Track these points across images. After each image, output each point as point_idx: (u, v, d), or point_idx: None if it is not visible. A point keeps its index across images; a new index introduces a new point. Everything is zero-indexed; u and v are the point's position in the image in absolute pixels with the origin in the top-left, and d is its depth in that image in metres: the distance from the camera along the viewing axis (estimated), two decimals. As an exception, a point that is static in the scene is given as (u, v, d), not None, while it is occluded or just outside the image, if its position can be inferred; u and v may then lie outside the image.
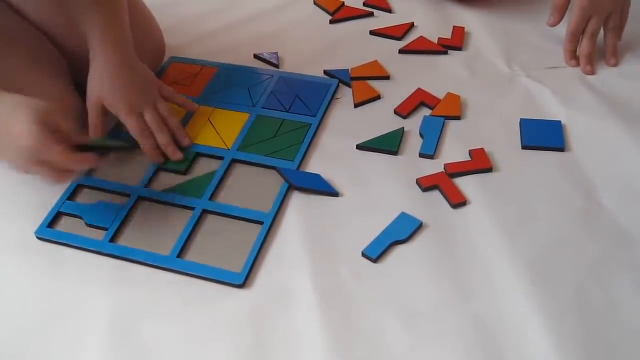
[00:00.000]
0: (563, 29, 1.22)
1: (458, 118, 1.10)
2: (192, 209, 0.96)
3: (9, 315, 0.86)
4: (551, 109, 1.11)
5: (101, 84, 0.99)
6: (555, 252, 0.89)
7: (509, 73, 1.20)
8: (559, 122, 1.07)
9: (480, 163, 1.01)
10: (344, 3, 1.39)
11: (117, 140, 1.04)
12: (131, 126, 1.00)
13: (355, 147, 1.05)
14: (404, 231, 0.91)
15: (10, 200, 1.00)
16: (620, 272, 0.86)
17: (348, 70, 1.20)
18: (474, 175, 1.00)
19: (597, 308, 0.82)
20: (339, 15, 1.36)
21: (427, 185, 0.98)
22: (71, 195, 0.99)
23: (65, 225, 0.96)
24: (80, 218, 0.96)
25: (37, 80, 1.00)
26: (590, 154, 1.03)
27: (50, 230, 0.95)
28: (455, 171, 1.00)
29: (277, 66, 1.23)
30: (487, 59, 1.23)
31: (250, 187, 0.99)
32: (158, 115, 1.02)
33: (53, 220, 0.96)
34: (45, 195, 0.99)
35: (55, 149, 0.82)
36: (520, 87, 1.16)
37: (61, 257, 0.92)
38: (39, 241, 0.94)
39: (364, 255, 0.89)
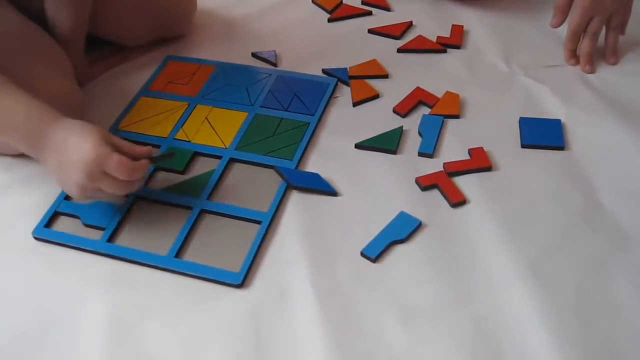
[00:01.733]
0: (562, 28, 1.21)
1: (457, 117, 1.09)
2: (190, 208, 0.96)
3: (6, 315, 0.85)
4: (550, 108, 1.11)
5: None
6: (555, 252, 0.89)
7: (508, 71, 1.19)
8: (559, 120, 1.07)
9: (479, 162, 1.00)
10: (342, 1, 1.38)
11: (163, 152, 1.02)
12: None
13: (353, 146, 1.04)
14: (403, 230, 0.91)
15: (7, 200, 1.00)
16: (620, 272, 0.86)
17: (346, 68, 1.20)
18: (473, 174, 0.99)
19: (597, 307, 0.82)
20: (337, 13, 1.35)
21: (426, 184, 0.97)
22: (68, 194, 0.98)
23: (63, 225, 0.95)
24: (78, 218, 0.95)
25: (44, 75, 1.00)
26: (589, 152, 1.03)
27: (47, 230, 0.94)
28: (454, 170, 0.99)
29: (275, 65, 1.22)
30: (486, 57, 1.23)
31: (248, 186, 0.99)
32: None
33: (50, 220, 0.95)
34: (43, 195, 0.99)
35: (116, 157, 0.84)
36: (520, 86, 1.16)
37: (58, 257, 0.92)
38: (36, 241, 0.93)
39: (362, 254, 0.89)
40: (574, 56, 1.20)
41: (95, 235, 0.93)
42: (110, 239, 0.92)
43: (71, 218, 0.96)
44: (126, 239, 0.93)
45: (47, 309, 0.85)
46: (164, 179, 1.01)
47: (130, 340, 0.81)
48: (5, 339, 0.82)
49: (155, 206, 0.97)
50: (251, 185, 0.99)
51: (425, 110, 1.11)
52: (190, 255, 0.90)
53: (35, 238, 0.94)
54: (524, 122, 1.07)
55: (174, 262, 0.89)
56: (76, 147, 0.85)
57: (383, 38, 1.29)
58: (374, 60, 1.21)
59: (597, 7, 1.15)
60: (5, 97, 0.89)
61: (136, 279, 0.88)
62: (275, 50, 1.25)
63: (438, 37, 1.27)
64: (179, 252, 0.90)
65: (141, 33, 1.24)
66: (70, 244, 0.92)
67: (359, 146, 1.04)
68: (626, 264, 0.87)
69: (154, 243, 0.91)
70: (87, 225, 0.94)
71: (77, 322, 0.83)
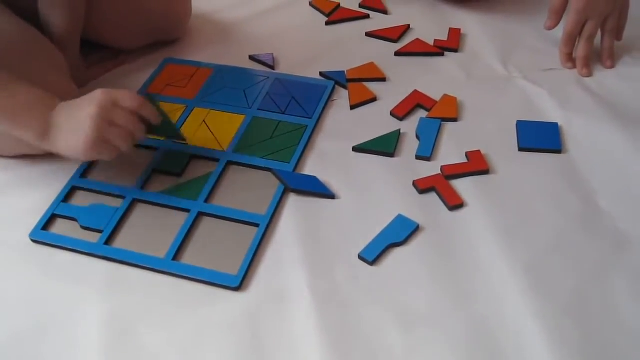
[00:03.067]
0: (560, 31, 1.22)
1: (454, 120, 1.09)
2: (188, 211, 0.95)
3: (3, 318, 0.85)
4: (548, 111, 1.11)
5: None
6: (553, 255, 0.89)
7: (505, 74, 1.20)
8: (556, 123, 1.07)
9: (476, 165, 1.00)
10: (339, 4, 1.38)
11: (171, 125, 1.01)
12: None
13: (351, 148, 1.04)
14: (400, 233, 0.91)
15: (4, 202, 0.99)
16: (618, 274, 0.86)
17: (344, 71, 1.20)
18: (470, 177, 0.99)
19: (595, 310, 0.82)
20: (335, 16, 1.36)
21: (423, 187, 0.97)
22: (66, 197, 0.98)
23: (60, 227, 0.95)
24: (75, 220, 0.95)
25: (39, 77, 0.99)
26: (587, 155, 1.03)
27: (44, 232, 0.94)
28: (451, 173, 0.99)
29: (272, 67, 1.22)
30: (483, 60, 1.23)
31: (246, 189, 0.99)
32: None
33: (47, 223, 0.95)
34: (40, 197, 0.99)
35: (121, 108, 0.91)
36: (517, 89, 1.16)
37: (55, 259, 0.91)
38: (33, 243, 0.93)
39: (360, 257, 0.89)
40: (570, 59, 1.20)
41: (93, 237, 0.93)
42: (108, 241, 0.92)
43: (68, 220, 0.96)
44: (124, 242, 0.92)
45: (44, 312, 0.85)
46: (162, 181, 1.01)
47: (127, 343, 0.81)
48: (2, 341, 0.82)
49: (152, 208, 0.97)
50: (249, 188, 0.99)
51: (423, 114, 1.11)
52: (188, 257, 0.90)
53: (33, 240, 0.93)
54: (521, 126, 1.07)
55: (172, 265, 0.89)
56: (83, 103, 0.91)
57: (381, 41, 1.29)
58: (372, 63, 1.21)
59: (592, 10, 1.15)
60: (6, 86, 0.91)
61: (134, 282, 0.88)
62: (272, 53, 1.25)
63: (435, 40, 1.27)
64: (176, 255, 0.90)
65: (135, 37, 1.24)
66: (68, 247, 0.92)
67: (356, 149, 1.04)
68: (623, 267, 0.87)
69: (152, 245, 0.91)
70: (84, 228, 0.94)
71: (74, 324, 0.83)
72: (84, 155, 0.91)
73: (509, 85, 1.17)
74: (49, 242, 0.93)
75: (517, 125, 1.07)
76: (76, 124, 0.90)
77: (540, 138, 1.05)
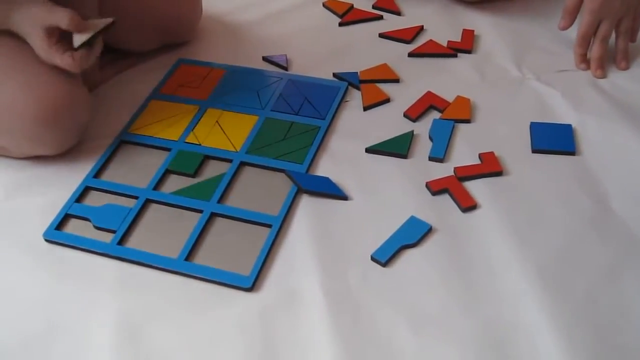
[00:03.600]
0: (574, 32, 1.21)
1: (468, 121, 1.09)
2: (201, 211, 0.96)
3: (16, 316, 0.85)
4: (561, 113, 1.10)
5: None
6: (566, 257, 0.88)
7: (518, 76, 1.19)
8: (570, 125, 1.07)
9: (490, 166, 1.00)
10: (352, 5, 1.38)
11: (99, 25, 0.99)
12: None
13: (364, 150, 1.04)
14: (413, 235, 0.91)
15: (19, 202, 1.00)
16: (631, 277, 0.86)
17: (357, 72, 1.19)
18: (483, 179, 0.99)
19: (608, 313, 0.82)
20: (348, 17, 1.36)
21: (436, 188, 0.97)
22: (79, 197, 0.99)
23: (74, 227, 0.96)
24: (88, 220, 0.96)
25: (50, 77, 0.99)
26: (600, 157, 1.02)
27: (58, 232, 0.94)
28: (465, 174, 0.99)
29: (285, 68, 1.22)
30: (496, 62, 1.23)
31: (258, 190, 0.99)
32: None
33: (61, 222, 0.96)
34: (54, 197, 0.99)
35: (59, 57, 0.96)
36: (530, 90, 1.16)
37: (69, 259, 0.92)
38: (46, 243, 0.94)
39: (372, 258, 0.89)
40: (584, 60, 1.20)
41: (106, 237, 0.93)
42: (121, 241, 0.92)
43: (82, 220, 0.96)
44: (137, 242, 0.93)
45: (57, 311, 0.85)
46: (175, 182, 1.01)
47: (139, 343, 0.81)
48: (15, 340, 0.83)
49: (166, 209, 0.97)
50: (262, 189, 0.99)
51: (436, 115, 1.11)
52: (201, 258, 0.90)
53: (46, 240, 0.94)
54: (535, 127, 1.07)
55: (184, 265, 0.89)
56: (29, 41, 0.97)
57: (394, 42, 1.29)
58: (385, 64, 1.21)
59: (606, 11, 1.15)
60: None
61: (146, 282, 0.88)
62: (286, 54, 1.25)
63: (449, 41, 1.27)
64: (189, 255, 0.90)
65: (146, 39, 1.24)
66: (81, 246, 0.92)
67: (369, 150, 1.04)
68: (636, 269, 0.87)
69: (165, 246, 0.91)
70: (97, 228, 0.95)
71: (86, 324, 0.84)
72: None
73: (523, 87, 1.16)
74: (62, 242, 0.93)
75: (530, 126, 1.07)
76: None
77: (554, 140, 1.04)
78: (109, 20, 0.99)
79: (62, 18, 0.94)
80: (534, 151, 1.04)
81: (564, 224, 0.93)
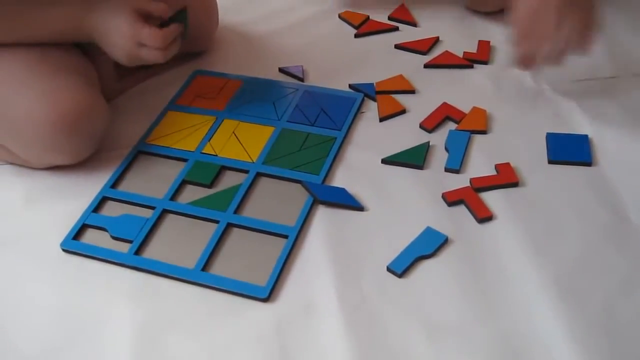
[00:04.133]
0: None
1: (484, 132, 1.09)
2: (217, 222, 0.96)
3: (34, 326, 0.86)
4: (578, 123, 1.10)
5: None
6: (583, 268, 0.88)
7: (534, 87, 1.19)
8: (586, 136, 1.06)
9: (506, 177, 1.00)
10: (368, 17, 1.39)
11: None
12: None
13: (380, 161, 1.05)
14: (429, 246, 0.91)
15: (37, 212, 1.01)
16: (648, 289, 0.85)
17: (373, 84, 1.20)
18: (499, 190, 0.99)
19: (625, 325, 0.82)
20: (364, 29, 1.36)
21: (452, 199, 0.97)
22: (96, 207, 1.00)
23: (91, 237, 0.96)
24: (106, 230, 0.96)
25: (68, 86, 1.01)
26: (617, 168, 1.02)
27: (75, 242, 0.95)
28: (481, 185, 0.99)
29: (302, 80, 1.23)
30: (512, 72, 1.21)
31: (275, 201, 1.00)
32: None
33: (78, 232, 0.96)
34: (71, 207, 1.00)
35: (147, 31, 1.00)
36: (547, 101, 1.15)
37: (86, 269, 0.93)
38: (64, 253, 0.95)
39: (388, 269, 0.89)
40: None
41: (123, 247, 0.94)
42: (138, 251, 0.93)
43: (99, 230, 0.97)
44: (153, 252, 0.93)
45: (74, 320, 0.86)
46: (192, 192, 1.01)
47: (156, 352, 0.82)
48: (34, 349, 0.83)
49: (182, 219, 0.98)
50: (278, 200, 1.00)
51: (452, 126, 1.11)
52: (217, 268, 0.91)
53: (64, 250, 0.95)
54: (551, 138, 1.06)
55: (201, 275, 0.89)
56: (112, 28, 1.01)
57: (410, 53, 1.29)
58: (400, 75, 1.22)
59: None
60: (39, 12, 1.01)
61: (163, 292, 0.89)
62: (302, 66, 1.25)
63: (465, 52, 1.27)
64: (205, 266, 0.90)
65: None
66: (98, 256, 0.93)
67: (385, 161, 1.04)
68: (655, 281, 0.86)
69: (181, 256, 0.92)
70: (115, 238, 0.95)
71: (103, 333, 0.84)
72: (126, 64, 1.06)
73: (539, 98, 1.16)
74: (79, 252, 0.94)
75: (547, 137, 1.07)
76: (112, 49, 1.03)
77: (570, 150, 1.04)
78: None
79: (153, 4, 1.02)
80: (550, 162, 1.03)
81: (581, 235, 0.92)
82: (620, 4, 1.37)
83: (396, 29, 1.36)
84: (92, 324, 0.85)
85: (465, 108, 1.13)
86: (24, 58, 1.01)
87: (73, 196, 1.02)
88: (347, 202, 0.98)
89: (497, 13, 1.35)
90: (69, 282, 0.91)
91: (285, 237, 0.93)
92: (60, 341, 0.84)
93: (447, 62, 1.25)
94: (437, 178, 1.02)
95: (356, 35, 1.35)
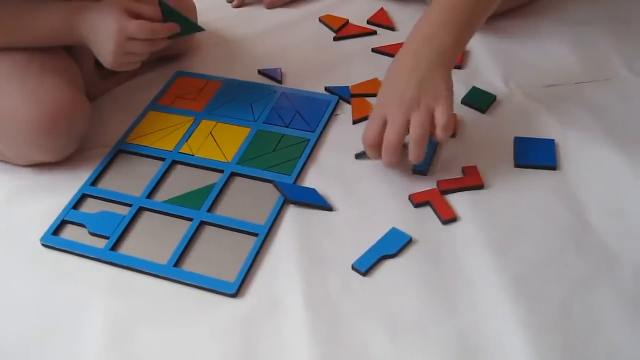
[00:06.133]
0: (562, 48, 1.26)
1: (453, 135, 1.11)
2: (191, 219, 0.99)
3: (11, 317, 0.89)
4: (546, 127, 1.12)
5: None
6: (541, 269, 0.91)
7: (505, 91, 1.21)
8: (552, 140, 1.09)
9: (471, 180, 1.03)
10: (347, 21, 1.41)
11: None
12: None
13: (351, 161, 1.08)
14: (393, 245, 0.94)
15: (18, 208, 1.04)
16: (604, 291, 0.87)
17: (348, 87, 1.22)
18: (465, 192, 1.02)
19: (579, 326, 0.84)
20: (343, 32, 1.38)
21: (418, 201, 1.00)
22: (76, 204, 1.03)
23: (70, 233, 0.99)
24: (84, 226, 0.99)
25: (52, 84, 1.04)
26: (581, 172, 1.04)
27: (54, 237, 0.98)
28: (447, 188, 1.02)
29: (280, 82, 1.26)
30: (484, 77, 1.24)
31: (247, 200, 1.02)
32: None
33: (58, 228, 0.99)
34: (52, 204, 1.03)
35: (134, 24, 1.01)
36: (517, 105, 1.18)
37: (64, 263, 0.96)
38: (43, 248, 0.98)
39: (353, 268, 0.92)
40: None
41: (100, 243, 0.97)
42: (114, 247, 0.96)
43: (78, 226, 1.00)
44: (129, 248, 0.96)
45: (50, 313, 0.89)
46: (168, 190, 1.05)
47: (127, 344, 0.85)
48: (10, 340, 0.87)
49: (157, 217, 1.01)
50: (250, 199, 1.02)
51: (423, 129, 1.13)
52: (189, 264, 0.94)
53: (43, 245, 0.98)
54: (519, 142, 1.09)
55: (173, 271, 0.92)
56: (102, 26, 1.02)
57: (386, 57, 1.30)
58: (376, 79, 1.24)
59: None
60: (32, 13, 1.03)
61: (136, 286, 0.92)
62: (280, 68, 1.28)
63: (440, 57, 1.29)
64: (178, 262, 0.93)
65: None
66: (76, 251, 0.96)
67: (358, 156, 1.07)
68: (611, 283, 0.88)
69: (155, 252, 0.95)
70: (92, 234, 0.98)
71: (78, 325, 0.87)
72: (111, 67, 1.07)
73: (509, 101, 1.18)
74: (58, 247, 0.97)
75: (514, 141, 1.09)
76: (100, 48, 1.04)
77: (536, 154, 1.06)
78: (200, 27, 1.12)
79: (143, 5, 1.04)
80: (517, 165, 1.06)
81: (541, 237, 0.95)
82: (592, 8, 1.40)
83: (374, 32, 1.39)
84: (68, 316, 0.88)
85: (437, 112, 1.15)
86: (9, 57, 1.04)
87: (54, 193, 1.05)
88: (316, 202, 1.01)
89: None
90: (47, 276, 0.94)
91: (256, 235, 0.96)
92: (36, 332, 0.87)
93: (422, 66, 1.27)
94: (405, 180, 1.04)
95: (335, 39, 1.38)
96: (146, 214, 1.01)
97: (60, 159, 1.08)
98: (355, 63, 1.31)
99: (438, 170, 1.06)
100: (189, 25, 1.08)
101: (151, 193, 1.04)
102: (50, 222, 1.00)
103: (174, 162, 1.09)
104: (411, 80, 0.99)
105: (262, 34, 1.40)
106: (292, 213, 1.00)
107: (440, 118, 0.97)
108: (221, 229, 0.98)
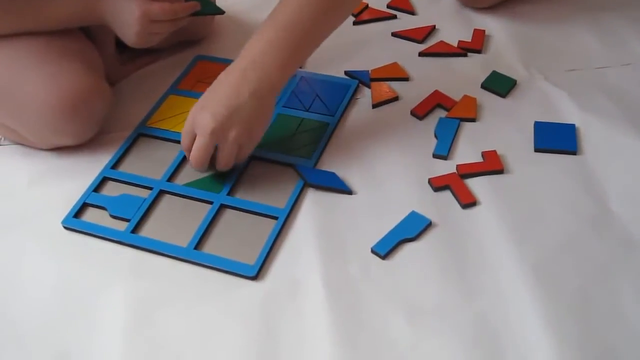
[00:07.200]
0: (585, 33, 1.25)
1: (473, 120, 1.11)
2: (211, 203, 1.00)
3: (33, 299, 0.90)
4: (566, 112, 1.12)
5: None
6: (561, 255, 0.90)
7: (526, 75, 1.21)
8: (573, 125, 1.08)
9: (491, 164, 1.03)
10: (367, 5, 1.41)
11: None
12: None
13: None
14: (413, 229, 0.94)
15: (40, 191, 1.05)
16: (625, 278, 0.87)
17: (368, 71, 1.22)
18: (485, 177, 1.02)
19: (599, 312, 0.84)
20: (363, 16, 1.38)
21: (438, 185, 1.00)
22: (97, 187, 1.04)
23: (91, 215, 1.00)
24: (105, 209, 1.00)
25: (72, 70, 1.04)
26: (602, 158, 1.04)
27: (76, 220, 0.99)
28: (466, 172, 1.02)
29: (300, 66, 1.25)
30: (505, 61, 1.24)
31: (267, 183, 1.03)
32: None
33: (79, 211, 1.00)
34: (73, 187, 1.04)
35: (157, 6, 1.05)
36: (537, 90, 1.17)
37: (85, 245, 0.97)
38: (65, 230, 0.99)
39: (373, 251, 0.92)
40: None
41: (121, 226, 0.98)
42: (135, 230, 0.97)
43: (99, 209, 1.01)
44: (149, 231, 0.97)
45: (72, 294, 0.90)
46: (188, 174, 1.05)
47: (148, 326, 0.86)
48: (32, 322, 0.88)
49: (178, 200, 1.01)
50: (270, 182, 1.03)
51: (443, 113, 1.13)
52: (209, 247, 0.94)
53: (65, 227, 0.99)
54: (539, 126, 1.09)
55: (193, 254, 0.93)
56: (125, 10, 1.05)
57: (406, 41, 1.31)
58: (395, 63, 1.24)
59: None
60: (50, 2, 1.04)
61: (157, 269, 0.93)
62: (300, 52, 1.28)
63: (459, 41, 1.29)
64: (198, 244, 0.94)
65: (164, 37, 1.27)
66: (97, 234, 0.97)
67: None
68: (630, 270, 0.88)
69: (175, 235, 0.96)
70: (113, 217, 0.99)
71: (99, 307, 0.88)
72: (135, 46, 1.10)
73: (530, 86, 1.18)
74: (80, 230, 0.98)
75: (534, 125, 1.09)
76: (124, 29, 1.07)
77: (557, 139, 1.06)
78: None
79: None
80: (537, 150, 1.05)
81: (562, 223, 0.95)
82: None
83: (394, 17, 1.38)
84: (88, 298, 0.90)
85: (457, 96, 1.15)
86: (30, 43, 1.05)
87: (75, 176, 1.06)
88: (336, 185, 1.01)
89: (493, 6, 1.36)
90: (69, 258, 0.95)
91: (275, 218, 0.97)
92: (58, 313, 0.88)
93: (441, 51, 1.27)
94: (425, 164, 1.04)
95: (355, 23, 1.37)
96: (167, 197, 1.02)
97: (81, 142, 1.09)
98: (375, 47, 1.30)
99: (458, 155, 1.06)
100: (210, 6, 1.10)
101: (171, 176, 1.05)
102: (71, 205, 1.01)
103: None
104: (229, 103, 0.97)
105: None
106: (312, 196, 1.01)
107: (221, 158, 0.98)
108: (241, 212, 0.99)
